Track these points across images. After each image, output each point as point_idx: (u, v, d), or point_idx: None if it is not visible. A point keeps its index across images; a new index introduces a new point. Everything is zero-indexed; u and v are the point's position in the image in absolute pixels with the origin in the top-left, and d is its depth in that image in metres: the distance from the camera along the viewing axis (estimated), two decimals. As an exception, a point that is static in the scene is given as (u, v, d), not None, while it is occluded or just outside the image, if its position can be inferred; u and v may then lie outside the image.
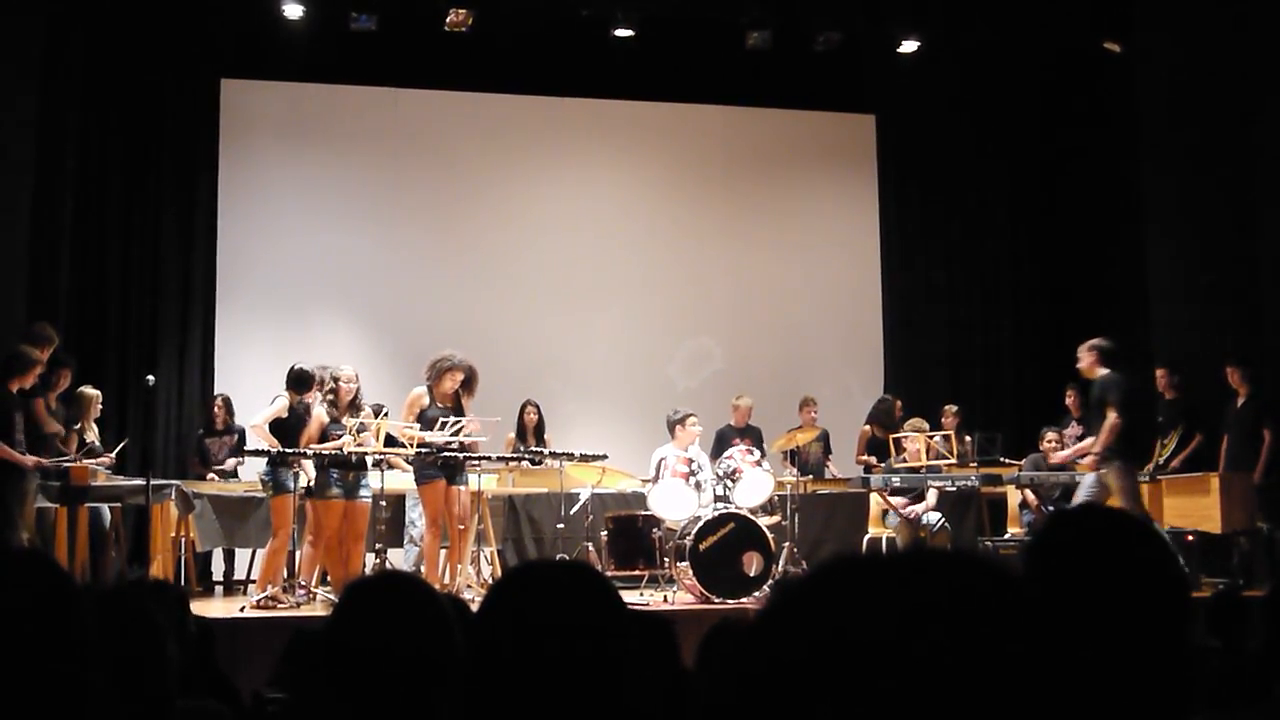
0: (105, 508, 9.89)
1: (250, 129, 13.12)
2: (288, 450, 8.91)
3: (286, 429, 9.10)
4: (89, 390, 10.23)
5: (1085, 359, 9.81)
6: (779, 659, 0.85)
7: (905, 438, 11.01)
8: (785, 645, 0.86)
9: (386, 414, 9.26)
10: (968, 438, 11.59)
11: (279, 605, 8.73)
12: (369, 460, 9.07)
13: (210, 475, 11.10)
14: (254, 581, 9.98)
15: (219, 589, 11.28)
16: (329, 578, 9.50)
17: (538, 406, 11.72)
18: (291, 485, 8.99)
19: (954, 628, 0.82)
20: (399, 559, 10.50)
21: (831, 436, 12.36)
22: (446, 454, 9.11)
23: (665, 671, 3.29)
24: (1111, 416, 9.51)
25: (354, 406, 9.18)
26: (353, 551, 9.09)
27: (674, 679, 3.26)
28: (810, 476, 11.83)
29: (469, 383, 9.40)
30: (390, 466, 9.32)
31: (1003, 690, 0.81)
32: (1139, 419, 9.68)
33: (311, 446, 8.99)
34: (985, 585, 0.86)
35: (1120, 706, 1.63)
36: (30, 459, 8.79)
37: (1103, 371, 9.66)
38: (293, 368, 9.31)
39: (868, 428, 12.26)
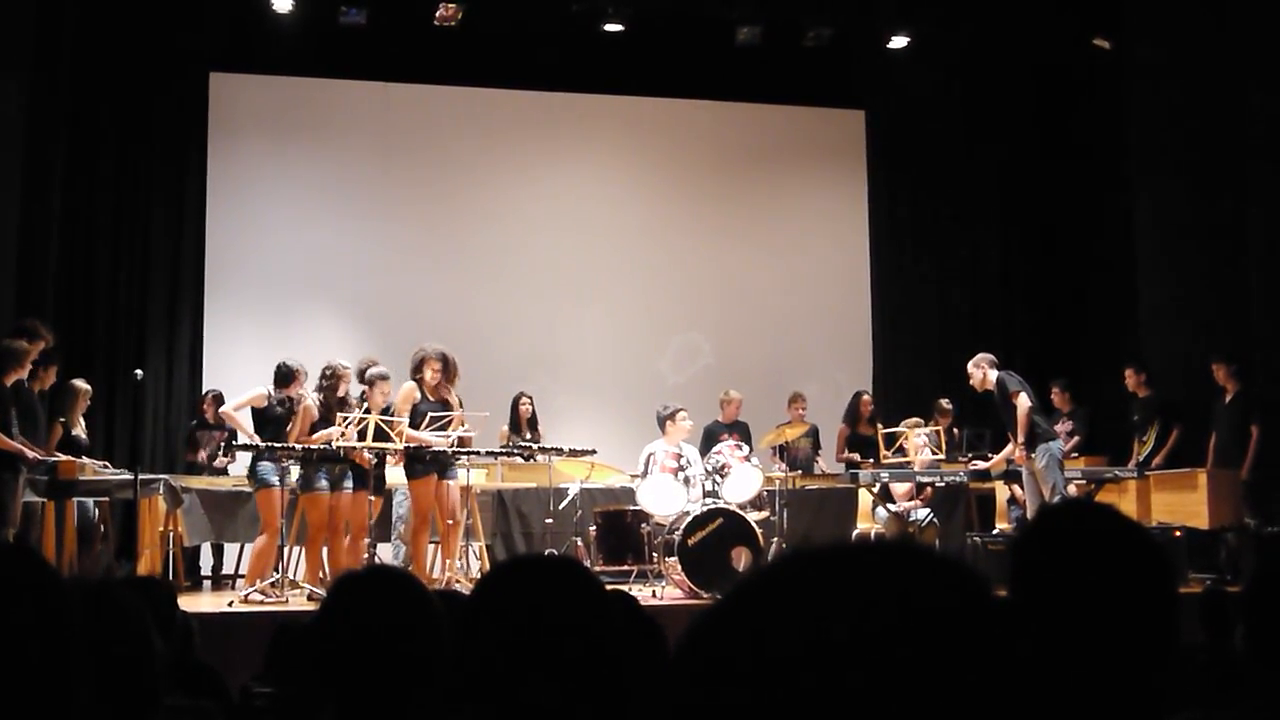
0: (90, 502, 9.86)
1: (239, 123, 13.09)
2: (276, 445, 8.91)
3: (267, 422, 9.11)
4: (79, 383, 10.16)
5: (977, 373, 10.19)
6: (715, 657, 0.84)
7: (903, 434, 11.00)
8: (723, 643, 0.85)
9: (368, 408, 9.28)
10: (956, 432, 11.61)
11: (267, 600, 8.72)
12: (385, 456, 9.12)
13: (199, 458, 11.17)
14: (243, 576, 9.98)
15: (207, 584, 11.26)
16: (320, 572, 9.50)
17: (531, 399, 11.70)
18: (275, 480, 8.96)
19: (900, 628, 0.81)
20: (388, 554, 10.50)
21: (821, 432, 12.37)
22: (437, 449, 9.11)
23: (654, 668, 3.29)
24: (1022, 402, 9.84)
25: (342, 402, 9.19)
26: (333, 545, 9.11)
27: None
28: (800, 472, 11.84)
29: (447, 370, 9.40)
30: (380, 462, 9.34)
31: (959, 691, 0.81)
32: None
33: (300, 441, 9.00)
34: (943, 583, 0.85)
35: (1107, 702, 1.64)
36: (30, 452, 8.75)
37: (994, 374, 10.08)
38: (279, 363, 9.34)
39: (843, 426, 12.29)
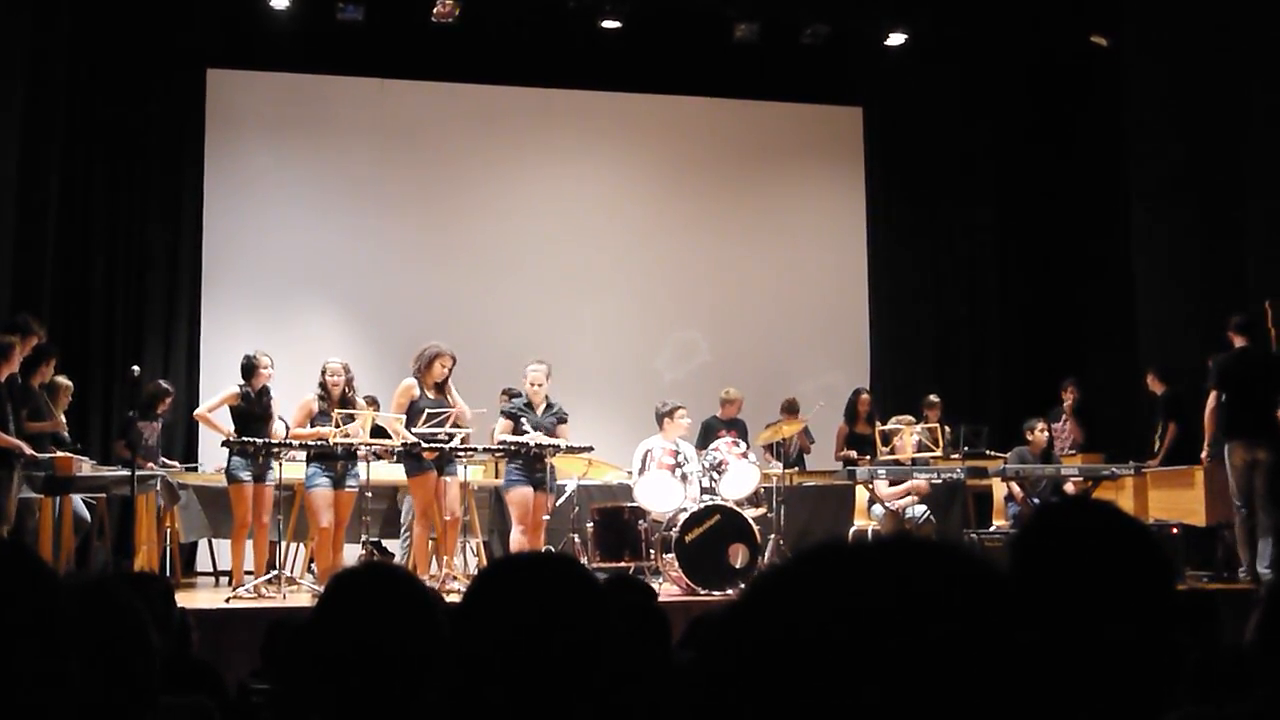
0: (78, 499, 9.86)
1: (237, 120, 13.08)
2: (270, 441, 8.95)
3: (244, 418, 9.13)
4: (62, 380, 10.18)
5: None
6: (749, 648, 0.85)
7: (895, 432, 11.00)
8: (756, 635, 0.85)
9: (378, 407, 9.30)
10: (947, 429, 11.59)
11: (265, 596, 8.73)
12: (360, 451, 9.10)
13: (148, 462, 10.93)
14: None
15: (208, 580, 11.26)
16: (315, 567, 9.51)
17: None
18: (245, 476, 8.99)
19: (929, 620, 0.82)
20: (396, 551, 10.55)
21: (815, 429, 12.36)
22: (434, 445, 9.11)
23: (654, 646, 3.29)
24: (1209, 404, 9.41)
25: (344, 399, 9.20)
26: (335, 540, 9.14)
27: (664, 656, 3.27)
28: (796, 469, 11.87)
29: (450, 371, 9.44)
30: (378, 458, 9.36)
31: (977, 683, 0.81)
32: (1233, 395, 9.29)
33: (295, 432, 9.05)
34: (963, 576, 0.85)
35: (1105, 699, 1.64)
36: (28, 447, 8.74)
37: (1238, 342, 9.46)
38: (244, 356, 9.38)
39: (843, 424, 12.30)
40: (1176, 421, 10.75)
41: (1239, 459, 9.23)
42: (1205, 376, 9.96)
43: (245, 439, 8.96)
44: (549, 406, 9.61)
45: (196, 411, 9.54)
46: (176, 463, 11.20)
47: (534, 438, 9.38)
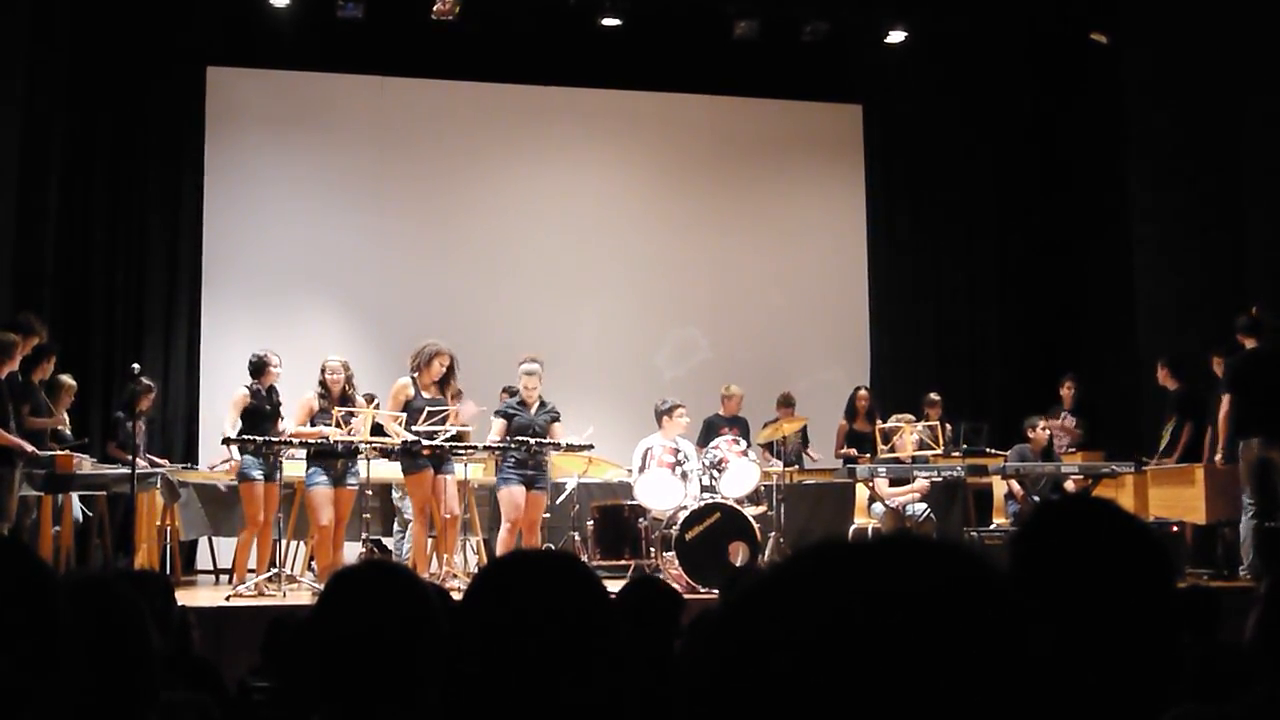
0: (75, 497, 9.85)
1: (236, 117, 13.08)
2: (271, 439, 8.94)
3: (253, 416, 9.13)
4: (65, 378, 10.17)
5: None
6: (745, 649, 0.85)
7: (896, 430, 10.99)
8: (752, 635, 0.85)
9: (378, 405, 9.29)
10: (947, 426, 11.59)
11: (266, 594, 8.73)
12: (362, 449, 9.11)
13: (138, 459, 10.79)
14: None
15: (208, 578, 11.27)
16: (315, 565, 9.52)
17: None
18: (257, 474, 8.97)
19: (928, 619, 0.82)
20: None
21: (815, 427, 12.36)
22: (432, 444, 9.11)
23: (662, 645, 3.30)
24: (1223, 407, 9.41)
25: (344, 397, 9.20)
26: (335, 538, 9.14)
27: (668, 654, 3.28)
28: (795, 466, 11.86)
29: (451, 369, 9.40)
30: (382, 455, 9.36)
31: (978, 683, 0.81)
32: (1247, 393, 9.26)
33: (297, 431, 9.05)
34: (963, 575, 0.85)
35: (1106, 698, 1.63)
36: (29, 446, 8.74)
37: (1249, 345, 9.49)
38: (251, 355, 9.36)
39: (843, 422, 12.30)
40: (1192, 419, 10.64)
41: (1252, 455, 9.26)
42: (1208, 373, 9.96)
43: (245, 437, 8.96)
44: (542, 405, 9.58)
45: (224, 439, 9.38)
46: (166, 461, 11.16)
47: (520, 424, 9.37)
